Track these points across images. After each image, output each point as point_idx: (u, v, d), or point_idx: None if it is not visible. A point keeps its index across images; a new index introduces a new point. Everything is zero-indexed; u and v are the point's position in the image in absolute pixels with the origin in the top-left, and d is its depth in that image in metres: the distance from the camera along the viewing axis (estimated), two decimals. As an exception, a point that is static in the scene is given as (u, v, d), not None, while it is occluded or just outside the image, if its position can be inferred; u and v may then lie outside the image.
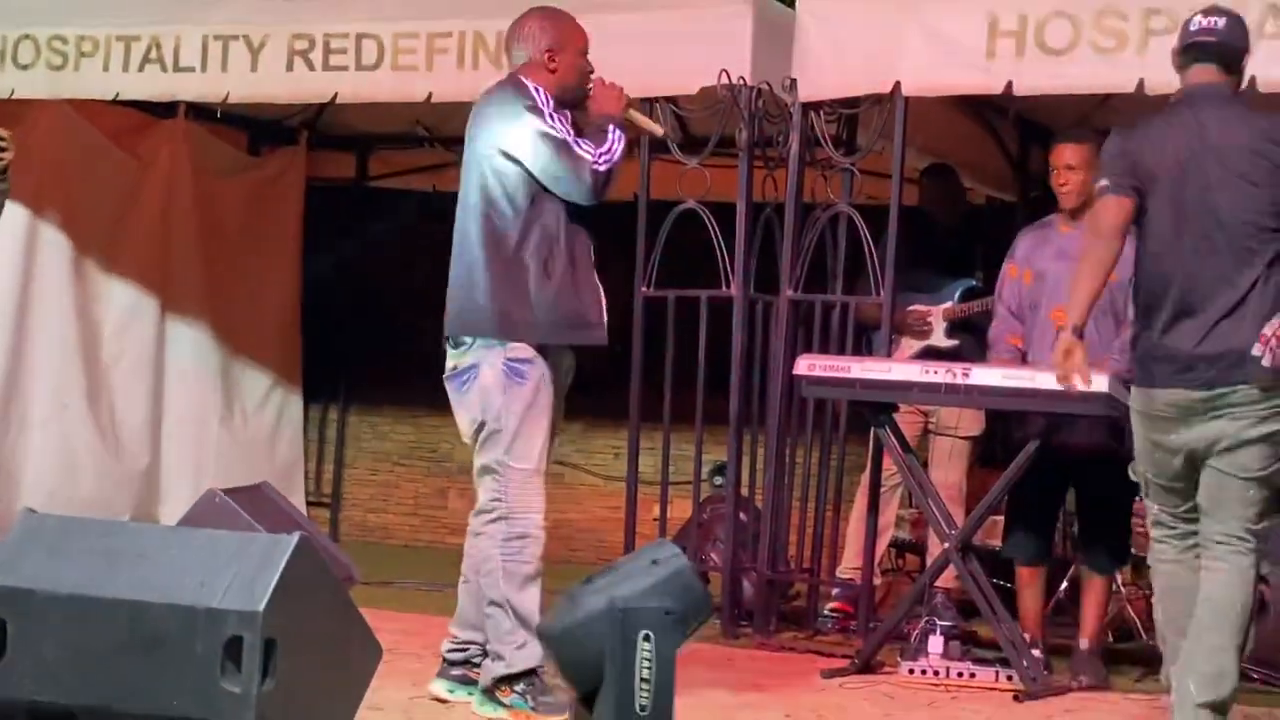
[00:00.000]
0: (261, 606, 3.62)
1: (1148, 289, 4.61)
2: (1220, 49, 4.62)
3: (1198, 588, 4.59)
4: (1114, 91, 6.24)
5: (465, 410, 4.87)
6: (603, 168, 4.75)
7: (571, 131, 4.81)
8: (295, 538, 3.76)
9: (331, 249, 9.43)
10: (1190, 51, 4.65)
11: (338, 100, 7.18)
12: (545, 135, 4.76)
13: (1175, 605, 4.64)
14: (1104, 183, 4.65)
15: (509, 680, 4.80)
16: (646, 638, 3.76)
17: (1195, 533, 4.63)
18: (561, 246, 4.81)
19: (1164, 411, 4.56)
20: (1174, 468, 4.59)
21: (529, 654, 4.75)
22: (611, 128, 4.84)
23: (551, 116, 4.78)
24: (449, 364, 4.95)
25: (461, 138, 8.91)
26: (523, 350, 4.80)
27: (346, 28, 6.96)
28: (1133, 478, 4.77)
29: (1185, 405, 4.51)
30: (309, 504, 9.42)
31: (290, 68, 7.04)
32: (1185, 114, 4.63)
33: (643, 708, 3.73)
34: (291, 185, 9.31)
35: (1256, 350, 4.43)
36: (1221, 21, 4.63)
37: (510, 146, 4.79)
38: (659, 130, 5.27)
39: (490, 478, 4.81)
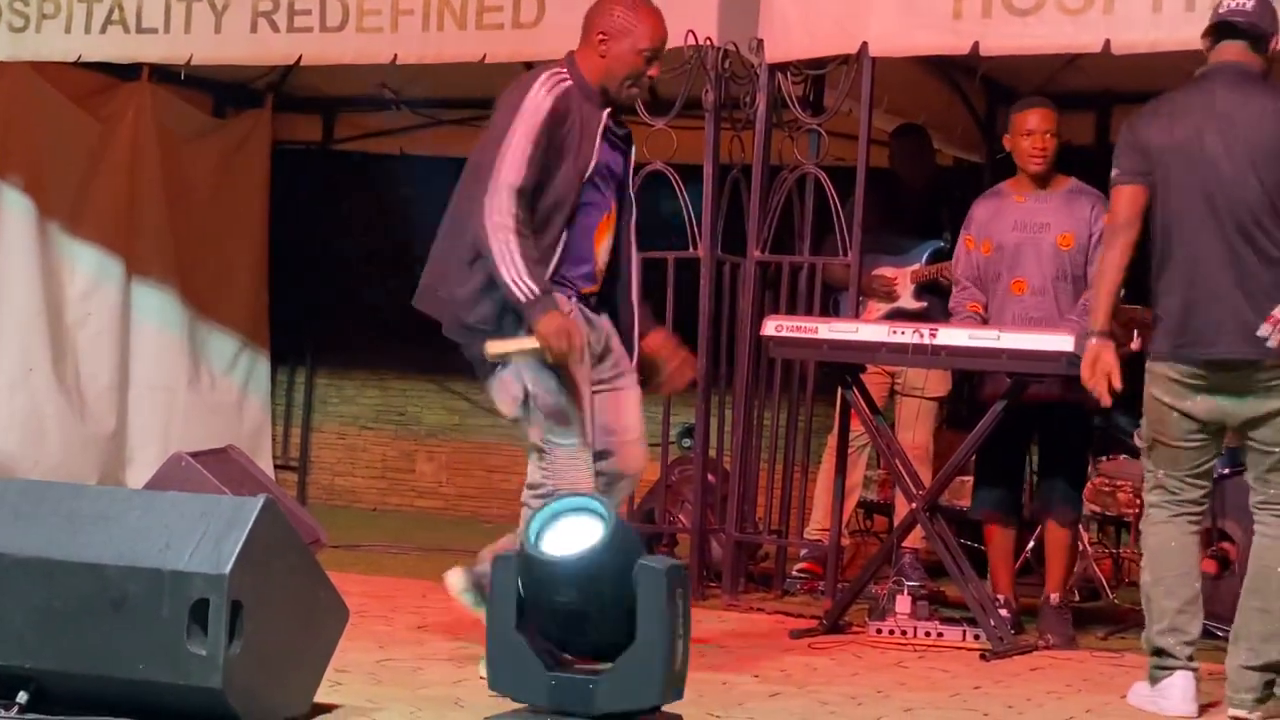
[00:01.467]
0: (227, 569, 3.61)
1: (1163, 263, 4.66)
2: (1250, 28, 4.63)
3: (1190, 551, 4.72)
4: (1081, 51, 6.24)
5: (501, 393, 4.66)
6: (509, 220, 4.41)
7: (530, 165, 4.46)
8: (261, 500, 3.76)
9: (298, 212, 9.40)
10: (1220, 29, 4.67)
11: (302, 62, 7.16)
12: (497, 139, 4.50)
13: (1166, 567, 4.71)
14: (1116, 170, 4.71)
15: None
16: (683, 596, 3.80)
17: (1195, 499, 4.72)
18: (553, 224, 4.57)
19: (1181, 380, 4.62)
20: (1185, 431, 4.66)
21: None
22: (529, 294, 4.40)
23: (528, 124, 4.49)
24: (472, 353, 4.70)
25: (427, 100, 9.01)
26: None
27: (311, -11, 6.92)
28: (1137, 442, 4.87)
29: (1203, 376, 4.59)
30: (276, 467, 9.42)
31: (254, 29, 7.00)
32: (1204, 88, 4.66)
33: (680, 665, 3.79)
34: (257, 148, 9.27)
35: (1263, 331, 4.50)
36: (1251, 3, 4.64)
37: (493, 127, 4.58)
38: (530, 347, 4.55)
39: (537, 455, 4.67)
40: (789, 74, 6.46)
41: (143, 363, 8.73)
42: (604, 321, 4.79)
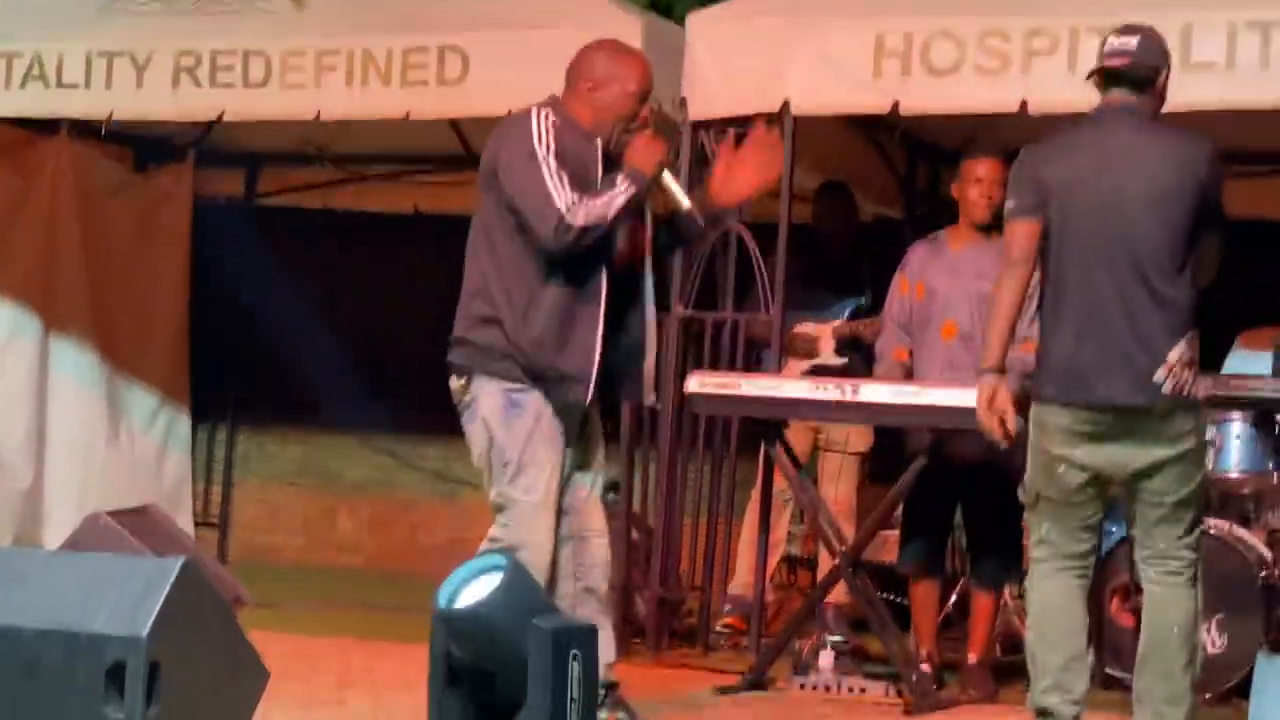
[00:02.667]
0: (145, 631, 3.57)
1: (1053, 306, 4.59)
2: (1132, 71, 4.59)
3: (1075, 605, 4.62)
4: (998, 111, 6.32)
5: (472, 442, 4.70)
6: (578, 221, 4.48)
7: (563, 174, 4.53)
8: (180, 561, 3.71)
9: (220, 267, 9.33)
10: (1104, 74, 4.62)
11: (225, 118, 7.14)
12: (522, 167, 4.54)
13: (1050, 623, 4.62)
14: (1011, 204, 4.65)
15: None
16: (575, 658, 3.72)
17: (1080, 553, 4.63)
18: (546, 290, 4.58)
19: (1075, 428, 4.54)
20: (1074, 485, 4.57)
21: None
22: (622, 181, 4.56)
23: (544, 148, 4.53)
24: (454, 390, 4.76)
25: (351, 156, 8.99)
26: (517, 382, 4.62)
27: (234, 45, 6.91)
28: (1020, 496, 4.75)
29: (1094, 424, 4.51)
30: (197, 525, 9.30)
31: (176, 85, 6.98)
32: (1093, 132, 4.64)
33: None
34: (179, 203, 9.19)
35: (1159, 376, 4.44)
36: (1134, 41, 4.60)
37: (501, 174, 4.61)
38: (685, 203, 4.85)
39: (499, 513, 4.66)
40: (712, 131, 6.51)
41: (60, 419, 8.62)
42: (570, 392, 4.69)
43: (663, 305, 6.56)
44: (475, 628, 3.72)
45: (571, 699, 3.69)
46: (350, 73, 6.74)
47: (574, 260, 4.58)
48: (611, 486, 7.21)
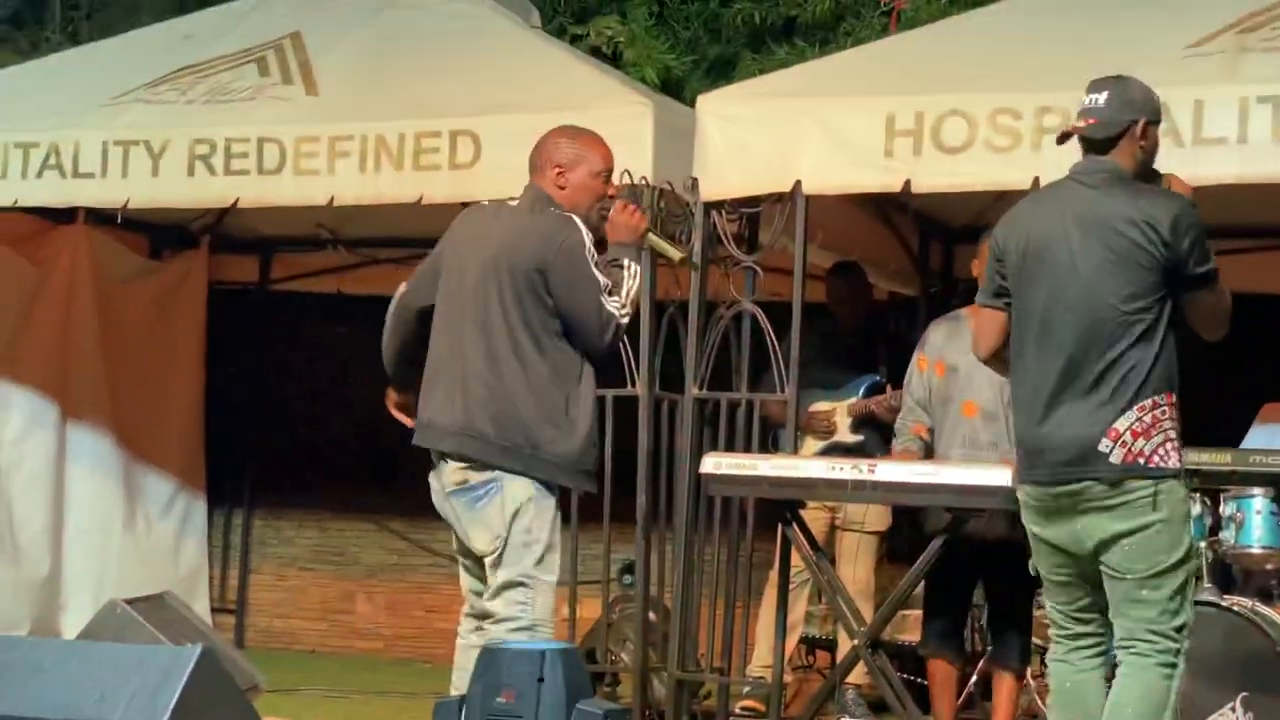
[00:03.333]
0: (163, 721, 3.56)
1: (1017, 379, 4.51)
2: (1099, 130, 4.47)
3: (1088, 685, 4.50)
4: (1009, 189, 6.33)
5: (484, 525, 4.78)
6: (625, 320, 4.73)
7: (609, 282, 4.73)
8: (197, 650, 3.72)
9: (235, 352, 9.37)
10: (1081, 139, 4.54)
11: (239, 204, 7.16)
12: (586, 278, 4.70)
13: (1065, 708, 4.52)
14: (979, 294, 4.61)
15: None
16: None
17: (1088, 633, 4.52)
18: (584, 385, 4.78)
19: (1037, 505, 4.46)
20: (1054, 561, 4.49)
21: None
22: (630, 267, 4.77)
23: (594, 260, 4.71)
24: (454, 477, 4.84)
25: (365, 240, 9.04)
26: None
27: (248, 131, 6.95)
28: (1031, 573, 4.71)
29: (1050, 499, 4.41)
30: (214, 610, 9.29)
31: (191, 172, 7.00)
32: (1052, 196, 4.54)
33: None
34: (194, 289, 9.25)
35: (1104, 446, 4.31)
36: (1102, 99, 4.48)
37: (552, 276, 4.72)
38: (678, 255, 5.10)
39: (518, 590, 4.74)
40: (724, 212, 6.52)
41: (77, 507, 8.62)
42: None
43: (677, 387, 6.59)
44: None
45: None
46: (363, 157, 6.76)
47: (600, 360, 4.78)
48: (627, 568, 7.23)
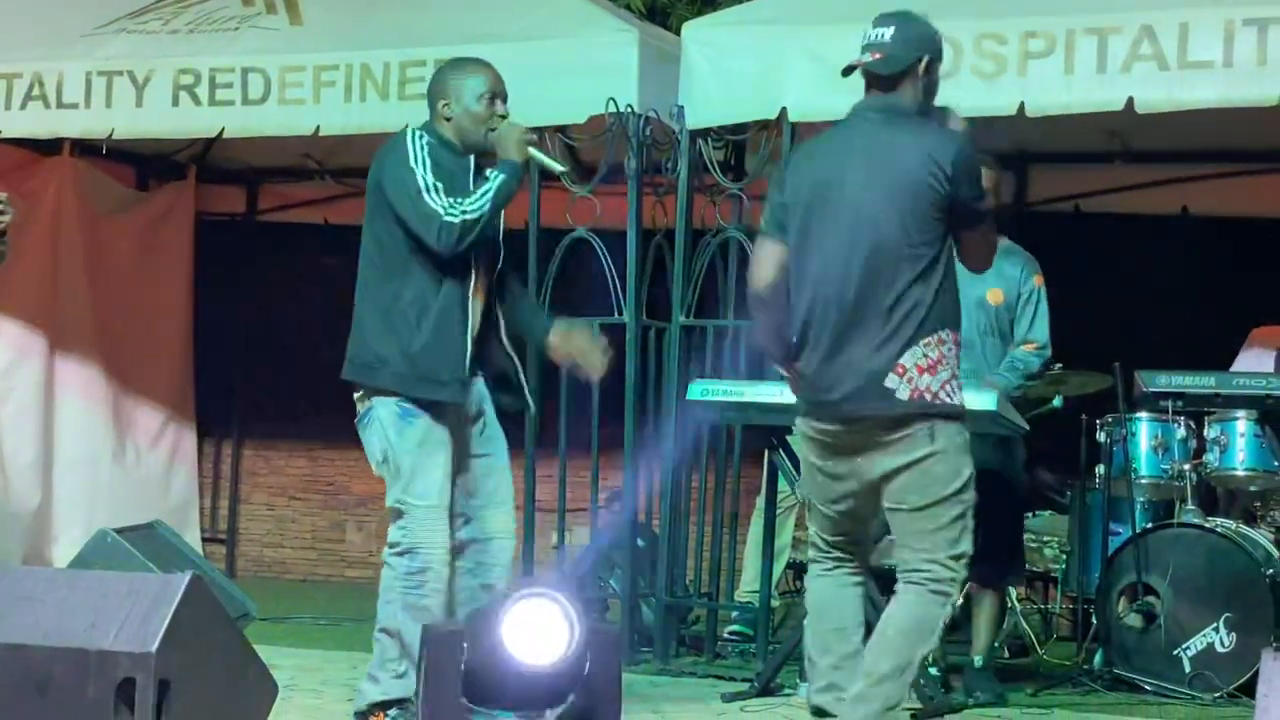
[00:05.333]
0: (154, 647, 3.58)
1: (799, 316, 4.41)
2: (884, 65, 4.38)
3: (848, 604, 4.50)
4: (995, 115, 6.33)
5: (369, 451, 4.96)
6: (456, 219, 4.73)
7: (438, 183, 4.77)
8: (187, 577, 3.73)
9: (223, 283, 9.36)
10: (864, 74, 4.44)
11: (225, 135, 7.15)
12: (401, 181, 4.79)
13: (822, 623, 4.53)
14: (762, 225, 4.55)
15: (383, 706, 4.84)
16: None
17: (847, 560, 4.52)
18: (435, 300, 4.83)
19: (820, 439, 4.41)
20: (831, 494, 4.45)
21: (406, 684, 4.82)
22: (493, 174, 4.84)
23: (420, 162, 4.80)
24: (356, 405, 4.99)
25: (350, 170, 9.02)
26: (408, 391, 4.85)
27: (232, 62, 6.93)
28: (797, 496, 4.69)
29: (835, 435, 4.37)
30: (204, 540, 9.33)
31: (176, 103, 7.00)
32: (841, 134, 4.48)
33: None
34: (181, 220, 9.23)
35: (890, 382, 4.25)
36: (889, 34, 4.40)
37: (384, 188, 4.85)
38: (559, 168, 5.22)
39: (399, 516, 4.88)
40: (710, 140, 6.52)
41: (67, 438, 8.64)
42: (479, 385, 4.96)
43: (664, 315, 6.60)
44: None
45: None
46: (348, 88, 6.76)
47: (452, 269, 4.80)
48: (615, 496, 7.27)
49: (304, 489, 9.73)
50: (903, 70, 4.38)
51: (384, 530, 9.52)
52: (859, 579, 4.55)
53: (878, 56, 4.38)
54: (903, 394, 4.24)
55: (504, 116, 4.96)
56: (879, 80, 4.40)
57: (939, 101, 4.53)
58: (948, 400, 4.27)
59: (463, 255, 4.80)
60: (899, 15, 4.44)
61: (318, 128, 6.88)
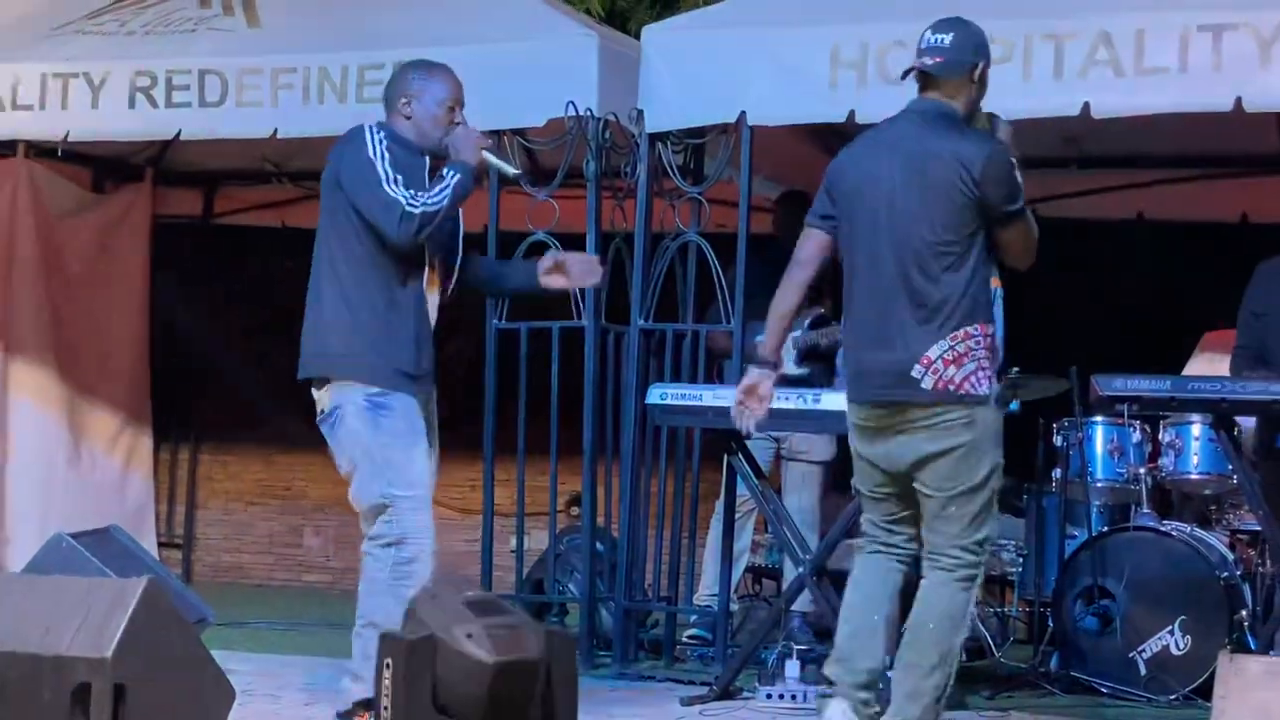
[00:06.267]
0: (109, 653, 3.57)
1: (847, 307, 4.69)
2: (942, 70, 4.57)
3: (880, 581, 4.68)
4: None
5: (340, 452, 4.93)
6: (417, 209, 4.75)
7: (398, 175, 4.79)
8: (143, 581, 3.72)
9: (179, 287, 9.31)
10: (916, 74, 4.63)
11: (181, 137, 7.12)
12: (361, 173, 4.79)
13: (851, 595, 4.72)
14: (808, 215, 4.76)
15: (368, 705, 4.78)
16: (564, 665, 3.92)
17: (897, 544, 4.69)
18: (402, 292, 4.85)
19: (861, 424, 4.64)
20: (873, 480, 4.67)
21: None
22: (449, 172, 4.85)
23: (380, 156, 4.80)
24: (317, 406, 4.97)
25: (309, 173, 8.98)
26: (382, 384, 4.86)
27: (189, 64, 6.91)
28: (853, 491, 4.84)
29: (873, 420, 4.59)
30: (161, 545, 9.28)
31: (132, 105, 6.97)
32: (889, 132, 4.66)
33: None
34: (137, 223, 9.17)
35: (916, 372, 4.46)
36: (947, 39, 4.58)
37: (341, 179, 4.86)
38: (513, 172, 5.32)
39: (382, 511, 4.85)
40: (669, 143, 6.53)
41: (21, 442, 8.57)
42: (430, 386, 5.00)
43: (623, 318, 6.60)
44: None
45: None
46: (306, 90, 6.75)
47: (412, 265, 4.84)
48: (574, 500, 7.27)
49: (261, 493, 9.69)
50: (959, 75, 4.58)
51: (342, 535, 9.63)
52: (901, 568, 4.71)
53: (938, 60, 4.58)
54: (927, 384, 4.45)
55: (460, 123, 5.00)
56: (935, 83, 4.60)
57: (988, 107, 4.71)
58: (973, 390, 4.46)
59: (419, 248, 4.83)
60: (956, 21, 4.64)
61: (275, 130, 6.86)
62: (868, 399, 4.59)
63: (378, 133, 4.88)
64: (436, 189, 4.82)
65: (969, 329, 4.48)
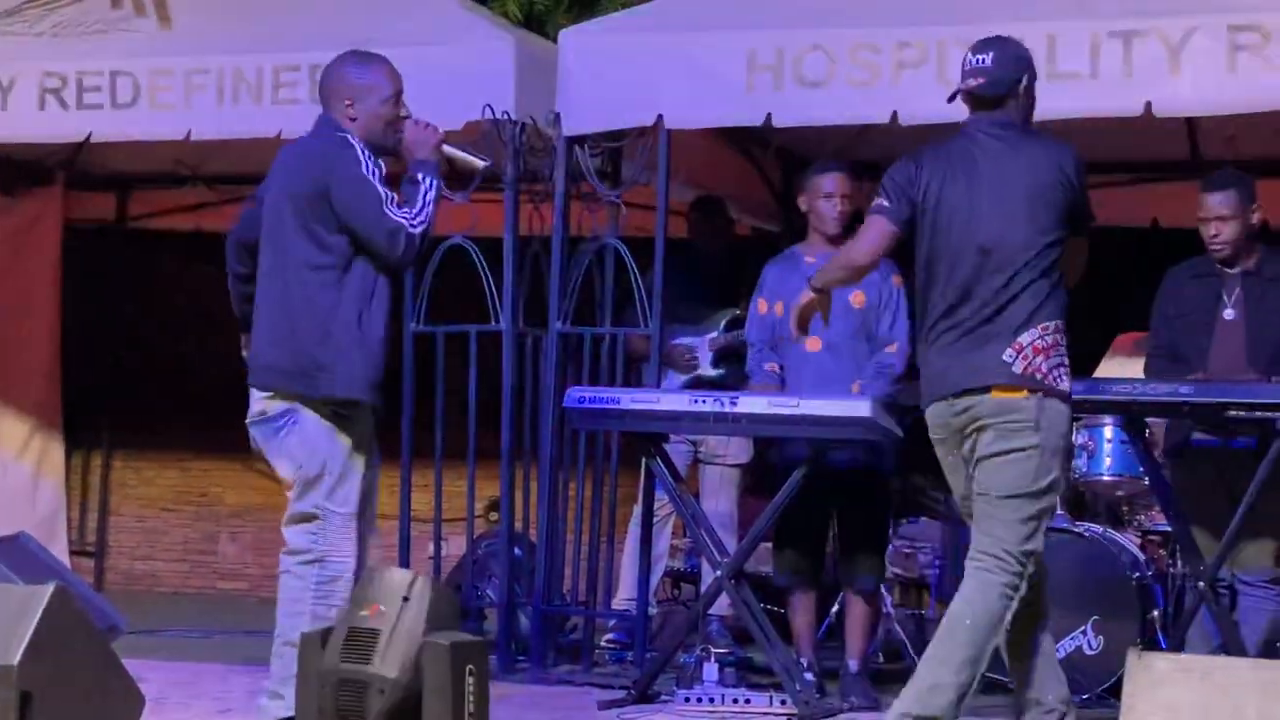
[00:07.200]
0: (16, 660, 3.54)
1: (927, 313, 4.73)
2: (989, 90, 4.71)
3: (976, 608, 4.60)
4: (869, 123, 6.40)
5: (286, 457, 4.79)
6: (417, 229, 4.67)
7: (392, 194, 4.70)
8: (50, 588, 3.68)
9: (92, 292, 9.21)
10: (964, 96, 4.76)
11: (93, 139, 7.05)
12: (361, 192, 4.67)
13: (954, 622, 4.65)
14: (881, 202, 4.75)
15: None
16: (470, 672, 3.83)
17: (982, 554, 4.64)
18: (375, 303, 4.75)
19: (935, 434, 4.70)
20: (958, 489, 4.71)
21: None
22: (423, 178, 4.75)
23: (370, 171, 4.70)
24: (255, 408, 4.82)
25: (223, 176, 8.91)
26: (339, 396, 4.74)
27: (100, 65, 6.83)
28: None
29: (948, 418, 4.64)
30: (72, 554, 9.16)
31: (42, 107, 6.89)
32: (962, 142, 4.75)
33: None
34: (48, 227, 9.05)
35: (1008, 355, 4.53)
36: (989, 58, 4.71)
37: (332, 196, 4.69)
38: (479, 164, 5.15)
39: (310, 522, 4.75)
40: (587, 147, 6.52)
41: (-71, 448, 8.47)
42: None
43: (541, 322, 6.59)
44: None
45: (469, 713, 3.79)
46: (220, 92, 6.68)
47: (385, 276, 4.75)
48: (492, 505, 7.24)
49: (175, 500, 9.62)
50: (1006, 92, 4.69)
51: (259, 541, 9.57)
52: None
53: (981, 81, 4.70)
54: (1017, 367, 4.52)
55: (406, 116, 4.88)
56: (985, 102, 4.72)
57: None
58: (1054, 384, 4.55)
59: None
60: (995, 40, 4.77)
61: (189, 132, 6.80)
62: (944, 392, 4.65)
63: (363, 148, 4.73)
64: (420, 202, 4.71)
65: (1058, 323, 4.58)
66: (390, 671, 4.00)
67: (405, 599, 4.13)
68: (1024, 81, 4.73)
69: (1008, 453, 4.54)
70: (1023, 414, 4.53)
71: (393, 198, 4.69)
